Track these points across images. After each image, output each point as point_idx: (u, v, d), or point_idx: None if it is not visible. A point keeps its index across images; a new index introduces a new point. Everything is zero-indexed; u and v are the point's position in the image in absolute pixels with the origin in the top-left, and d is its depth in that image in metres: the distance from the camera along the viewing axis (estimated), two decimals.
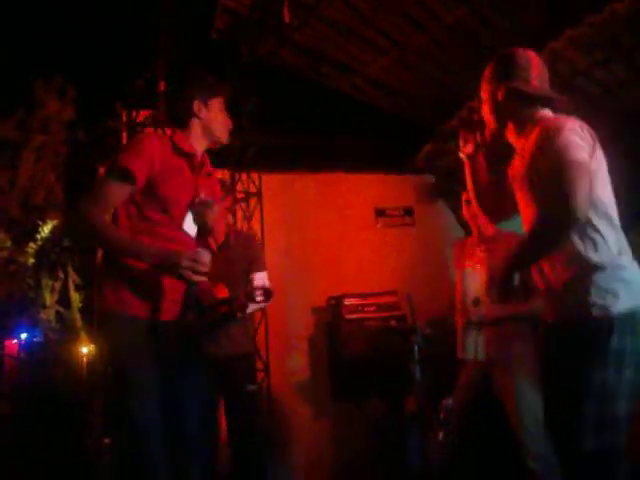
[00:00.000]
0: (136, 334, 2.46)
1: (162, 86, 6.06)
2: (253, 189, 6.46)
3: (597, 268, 2.15)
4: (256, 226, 6.35)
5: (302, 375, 6.35)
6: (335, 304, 6.20)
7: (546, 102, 2.40)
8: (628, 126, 5.25)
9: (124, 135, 6.03)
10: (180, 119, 2.74)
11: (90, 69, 9.26)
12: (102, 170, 2.62)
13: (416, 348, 3.94)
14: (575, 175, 2.06)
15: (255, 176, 6.46)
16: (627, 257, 2.21)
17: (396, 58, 6.36)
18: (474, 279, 3.38)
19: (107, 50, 9.10)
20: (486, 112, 2.49)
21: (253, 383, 4.25)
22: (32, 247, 9.28)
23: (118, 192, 2.48)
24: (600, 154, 2.27)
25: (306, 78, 6.95)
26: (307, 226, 6.62)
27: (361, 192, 6.85)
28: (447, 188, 6.73)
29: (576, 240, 2.17)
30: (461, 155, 2.74)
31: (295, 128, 6.83)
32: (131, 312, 2.48)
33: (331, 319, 6.26)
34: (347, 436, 6.12)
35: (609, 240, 2.19)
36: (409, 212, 6.92)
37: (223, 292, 3.90)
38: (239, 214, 6.41)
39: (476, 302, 3.31)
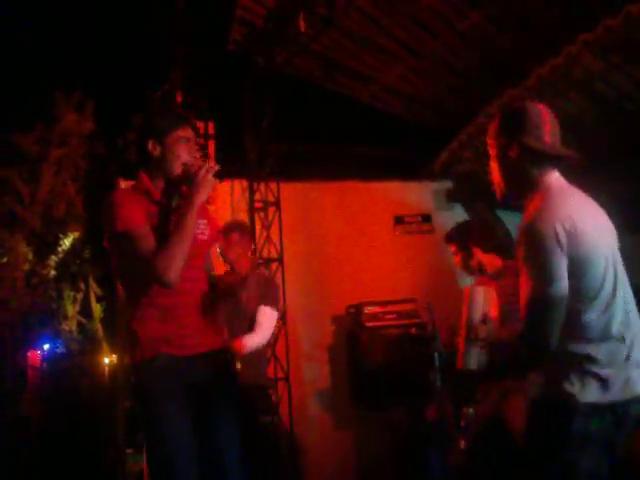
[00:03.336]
0: (168, 370, 2.50)
1: (179, 97, 6.12)
2: (271, 198, 6.48)
3: (573, 356, 2.14)
4: (275, 235, 6.37)
5: (323, 383, 6.35)
6: (355, 312, 6.19)
7: (557, 161, 2.30)
8: None
9: None
10: (141, 160, 2.65)
11: (108, 82, 9.35)
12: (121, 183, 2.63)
13: (436, 355, 3.94)
14: (545, 313, 2.10)
15: (273, 185, 6.49)
16: (611, 344, 2.15)
17: (411, 65, 6.38)
18: (483, 297, 3.36)
19: (124, 63, 9.18)
20: (495, 171, 2.39)
21: (269, 414, 4.22)
22: (53, 259, 9.35)
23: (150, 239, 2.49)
24: (586, 233, 2.16)
25: (322, 87, 6.98)
26: (326, 234, 6.63)
27: (379, 200, 6.84)
28: (466, 194, 6.73)
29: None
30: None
31: (313, 137, 6.86)
32: (160, 351, 2.51)
33: (351, 327, 6.26)
34: (368, 444, 6.10)
35: (590, 326, 2.14)
36: (427, 219, 6.89)
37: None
38: (258, 224, 6.44)
39: (484, 320, 3.29)
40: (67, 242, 9.47)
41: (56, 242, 9.39)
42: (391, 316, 6.04)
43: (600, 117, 5.27)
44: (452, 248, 4.04)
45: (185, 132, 2.63)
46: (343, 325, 6.39)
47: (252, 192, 6.53)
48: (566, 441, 2.11)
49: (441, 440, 4.61)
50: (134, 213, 2.48)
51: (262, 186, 6.51)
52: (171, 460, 2.43)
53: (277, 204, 6.46)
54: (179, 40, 6.39)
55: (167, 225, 2.53)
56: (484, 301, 3.35)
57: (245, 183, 6.55)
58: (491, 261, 3.88)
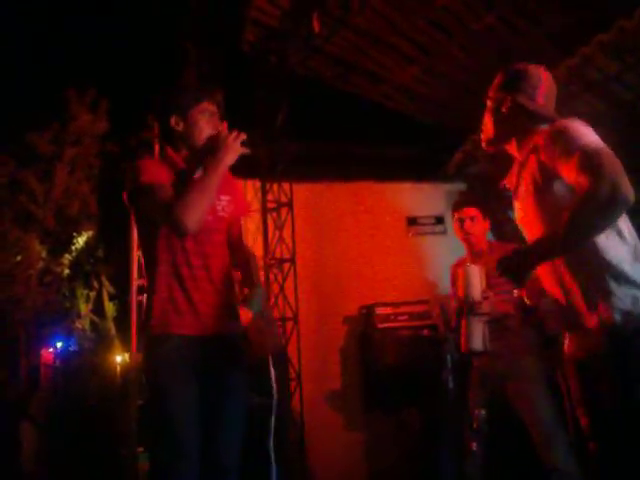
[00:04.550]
0: (179, 353, 2.50)
1: None
2: (284, 199, 6.48)
3: (621, 270, 2.11)
4: (287, 235, 6.37)
5: (335, 384, 6.34)
6: (367, 313, 6.19)
7: (546, 121, 2.36)
8: None
9: (156, 146, 6.09)
10: (165, 136, 2.69)
11: (121, 81, 9.39)
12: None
13: (448, 357, 3.92)
14: (613, 160, 1.99)
15: (286, 186, 6.49)
16: None
17: (425, 66, 6.36)
18: (478, 274, 3.41)
19: (138, 62, 9.22)
20: (487, 120, 2.51)
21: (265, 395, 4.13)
22: (67, 258, 9.41)
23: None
24: None
25: (336, 87, 6.97)
26: (338, 235, 6.62)
27: (392, 201, 6.83)
28: (478, 195, 6.70)
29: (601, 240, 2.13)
30: None
31: (326, 137, 6.85)
32: (172, 331, 2.51)
33: (363, 328, 6.25)
34: (380, 446, 6.09)
35: (628, 238, 2.15)
36: (440, 220, 6.87)
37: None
38: (270, 224, 6.44)
39: (485, 296, 3.33)
40: (81, 241, 9.52)
41: (70, 241, 9.45)
42: (403, 317, 6.02)
43: (615, 118, 5.24)
44: (474, 213, 4.06)
45: (208, 106, 2.66)
46: (355, 326, 6.39)
47: (265, 192, 6.53)
48: None
49: (453, 442, 4.60)
50: (159, 173, 2.53)
51: (275, 186, 6.52)
52: (172, 444, 2.44)
53: (290, 205, 6.46)
54: (193, 40, 6.41)
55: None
56: (480, 278, 3.39)
57: (258, 184, 6.56)
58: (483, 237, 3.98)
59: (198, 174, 2.57)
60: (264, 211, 6.49)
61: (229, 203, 2.73)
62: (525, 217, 2.37)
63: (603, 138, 2.16)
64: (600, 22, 4.58)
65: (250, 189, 6.50)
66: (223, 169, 2.49)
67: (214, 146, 2.52)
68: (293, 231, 6.38)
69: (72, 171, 9.52)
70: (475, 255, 4.02)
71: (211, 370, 2.56)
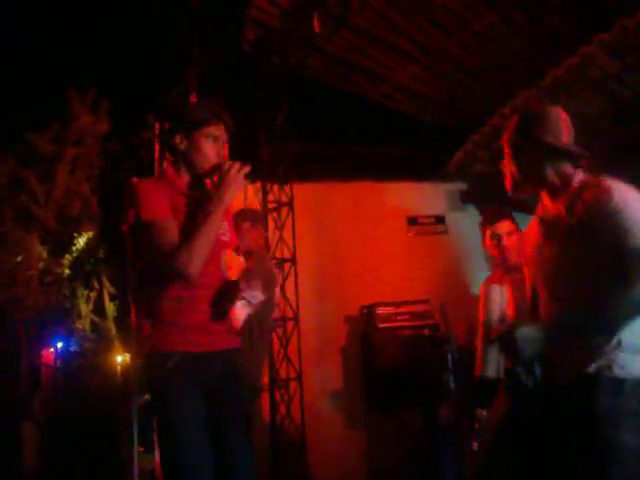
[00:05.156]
0: (183, 369, 2.47)
1: (194, 97, 6.13)
2: (285, 199, 6.48)
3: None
4: (288, 235, 6.37)
5: (335, 384, 6.34)
6: (368, 313, 6.18)
7: (575, 159, 2.34)
8: None
9: (157, 147, 6.09)
10: (168, 150, 2.64)
11: (123, 81, 9.39)
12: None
13: (450, 357, 3.91)
14: None
15: (287, 186, 6.49)
16: None
17: (426, 66, 6.36)
18: (500, 296, 3.33)
19: (139, 62, 9.22)
20: (511, 166, 2.42)
21: None
22: (68, 258, 9.39)
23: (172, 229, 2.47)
24: None
25: (336, 87, 6.97)
26: (339, 235, 6.62)
27: (393, 200, 6.83)
28: (479, 195, 6.69)
29: None
30: None
31: (327, 137, 6.85)
32: (176, 349, 2.49)
33: (364, 328, 6.25)
34: (381, 446, 6.09)
35: None
36: (441, 220, 6.87)
37: None
38: (271, 224, 6.44)
39: (502, 320, 3.26)
40: (81, 241, 9.50)
41: (70, 241, 9.43)
42: (404, 317, 6.02)
43: (615, 118, 5.23)
44: (510, 227, 3.99)
45: (216, 130, 2.60)
46: (356, 326, 6.39)
47: (265, 193, 6.53)
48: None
49: (454, 442, 4.59)
50: (161, 203, 2.47)
51: (275, 187, 6.51)
52: (184, 463, 2.42)
53: (290, 205, 6.46)
54: (194, 40, 6.40)
55: (195, 219, 2.48)
56: (501, 299, 3.31)
57: (258, 184, 6.55)
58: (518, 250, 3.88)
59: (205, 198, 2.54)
60: (265, 211, 6.48)
61: (228, 229, 2.72)
62: (545, 258, 2.36)
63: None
64: (601, 21, 4.57)
65: (250, 189, 6.49)
66: (226, 205, 2.49)
67: (217, 178, 2.51)
68: (294, 231, 6.38)
69: (73, 171, 9.50)
70: (509, 270, 3.90)
71: (213, 385, 2.55)
